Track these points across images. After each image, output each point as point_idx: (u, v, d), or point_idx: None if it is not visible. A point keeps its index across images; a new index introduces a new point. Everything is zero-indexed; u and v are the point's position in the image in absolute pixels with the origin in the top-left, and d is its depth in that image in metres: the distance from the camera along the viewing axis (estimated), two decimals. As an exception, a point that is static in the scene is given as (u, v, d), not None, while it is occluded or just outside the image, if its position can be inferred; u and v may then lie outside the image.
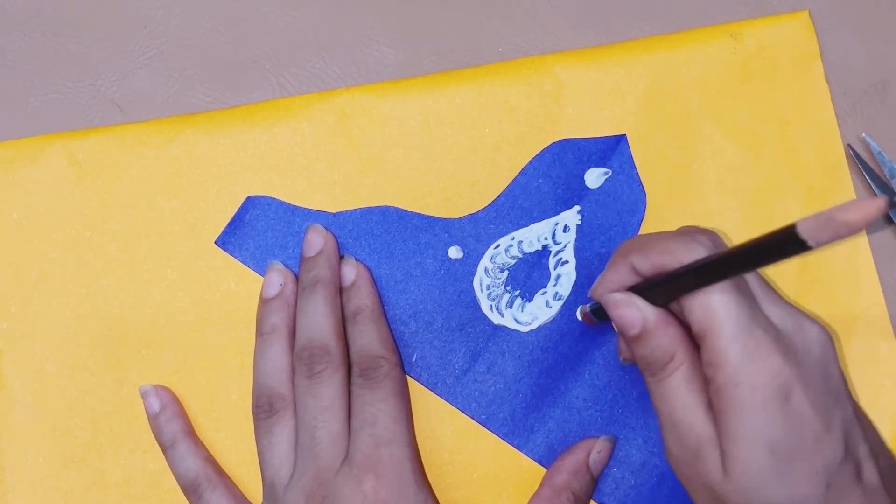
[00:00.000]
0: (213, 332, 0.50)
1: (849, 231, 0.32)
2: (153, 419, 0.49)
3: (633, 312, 0.42)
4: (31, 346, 0.50)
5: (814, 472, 0.40)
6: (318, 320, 0.47)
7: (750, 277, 0.42)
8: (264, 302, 0.49)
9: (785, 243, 0.33)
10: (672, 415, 0.42)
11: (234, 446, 0.50)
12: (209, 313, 0.50)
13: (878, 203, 0.31)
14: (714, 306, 0.40)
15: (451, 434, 0.49)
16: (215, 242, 0.50)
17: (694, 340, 0.42)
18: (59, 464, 0.49)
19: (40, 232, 0.51)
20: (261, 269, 0.50)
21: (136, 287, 0.50)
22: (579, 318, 0.50)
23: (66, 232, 0.51)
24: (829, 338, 0.42)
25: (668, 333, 0.42)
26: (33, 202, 0.51)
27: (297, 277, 0.50)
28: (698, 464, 0.41)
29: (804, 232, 0.32)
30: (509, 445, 0.49)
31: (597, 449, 0.48)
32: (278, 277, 0.49)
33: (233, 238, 0.50)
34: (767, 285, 0.42)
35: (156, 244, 0.51)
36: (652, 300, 0.42)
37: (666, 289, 0.41)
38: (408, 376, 0.50)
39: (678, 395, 0.42)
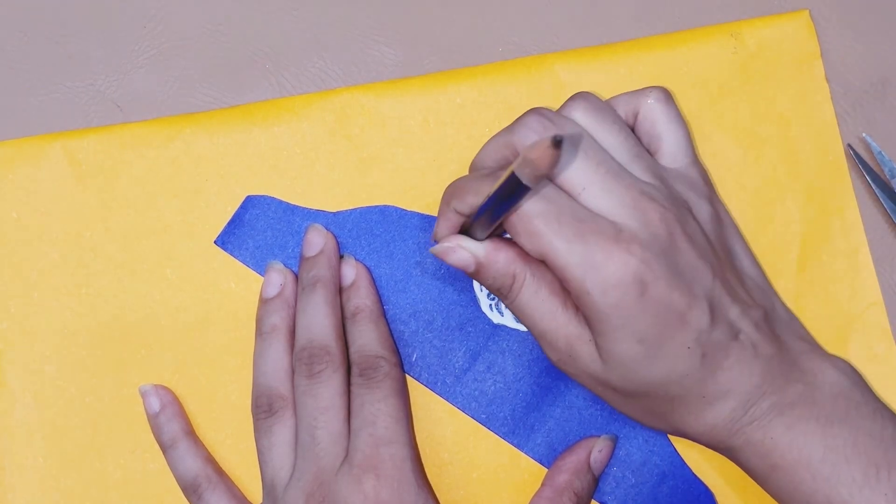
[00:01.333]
0: (213, 332, 0.50)
1: (538, 169, 0.35)
2: (153, 419, 0.49)
3: (463, 255, 0.43)
4: (31, 346, 0.50)
5: (685, 348, 0.41)
6: (317, 320, 0.47)
7: (594, 176, 0.42)
8: (264, 302, 0.49)
9: (516, 185, 0.37)
10: (536, 326, 0.43)
11: (235, 446, 0.50)
12: (209, 313, 0.50)
13: (545, 143, 0.34)
14: (536, 231, 0.40)
15: (451, 434, 0.49)
16: (215, 242, 0.50)
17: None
18: (59, 464, 0.49)
19: (40, 232, 0.51)
20: (260, 268, 0.50)
21: (136, 287, 0.50)
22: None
23: (66, 232, 0.51)
24: (670, 212, 0.42)
25: (500, 260, 0.43)
26: (33, 202, 0.51)
27: (297, 277, 0.50)
28: (576, 361, 0.43)
29: (518, 170, 0.36)
30: (509, 445, 0.49)
31: (598, 448, 0.48)
32: (278, 277, 0.49)
33: (232, 237, 0.50)
34: (615, 177, 0.42)
35: (156, 244, 0.51)
36: (479, 236, 0.43)
37: (482, 224, 0.42)
38: (407, 376, 0.50)
39: (532, 307, 0.43)
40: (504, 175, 0.38)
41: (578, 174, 0.42)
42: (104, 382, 0.50)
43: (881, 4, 0.52)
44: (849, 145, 0.51)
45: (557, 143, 0.34)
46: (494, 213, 0.41)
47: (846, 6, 0.52)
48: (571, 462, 0.48)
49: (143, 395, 0.49)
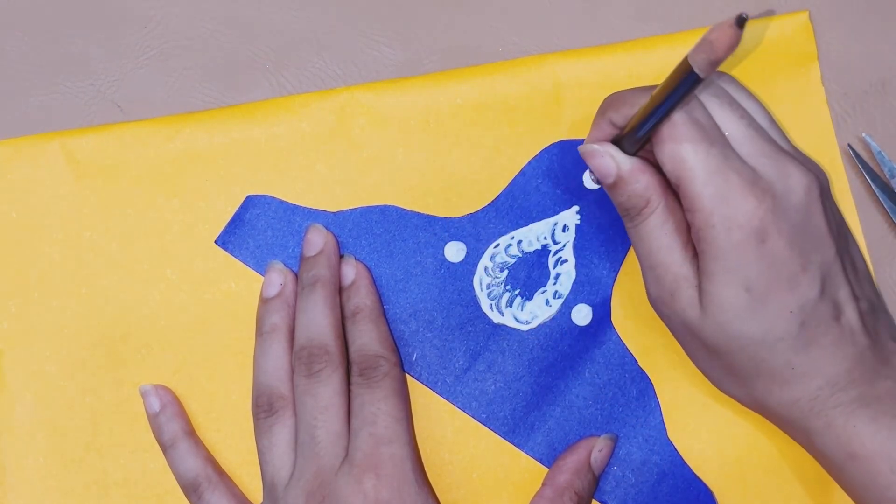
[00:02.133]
0: (213, 332, 0.50)
1: (714, 52, 0.36)
2: (153, 419, 0.49)
3: (608, 161, 0.44)
4: (31, 346, 0.50)
5: (788, 311, 0.42)
6: (317, 320, 0.47)
7: (739, 125, 0.44)
8: (264, 301, 0.49)
9: (685, 76, 0.38)
10: (650, 257, 0.45)
11: (234, 446, 0.50)
12: (209, 313, 0.50)
13: (730, 27, 0.35)
14: (683, 154, 0.42)
15: (451, 434, 0.49)
16: (215, 241, 0.50)
17: (672, 187, 0.44)
18: (59, 464, 0.49)
19: (40, 232, 0.51)
20: (261, 268, 0.50)
21: (136, 287, 0.50)
22: (588, 183, 0.51)
23: (66, 232, 0.51)
24: (814, 182, 0.43)
25: (641, 180, 0.44)
26: (32, 201, 0.51)
27: (297, 277, 0.50)
28: (675, 302, 0.44)
29: (692, 57, 0.36)
30: (510, 445, 0.49)
31: (598, 447, 0.48)
32: (278, 277, 0.49)
33: (233, 237, 0.50)
34: (760, 134, 0.44)
35: (156, 244, 0.51)
36: (627, 150, 0.45)
37: (633, 137, 0.43)
38: (407, 375, 0.50)
39: (654, 237, 0.44)
40: (675, 69, 0.38)
41: (724, 119, 0.43)
42: (104, 382, 0.50)
43: (881, 4, 0.52)
44: (848, 145, 0.51)
45: (741, 21, 0.34)
46: (650, 119, 0.42)
47: (846, 6, 0.52)
48: (572, 462, 0.48)
49: (144, 394, 0.49)
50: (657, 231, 0.44)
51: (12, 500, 0.49)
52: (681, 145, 0.42)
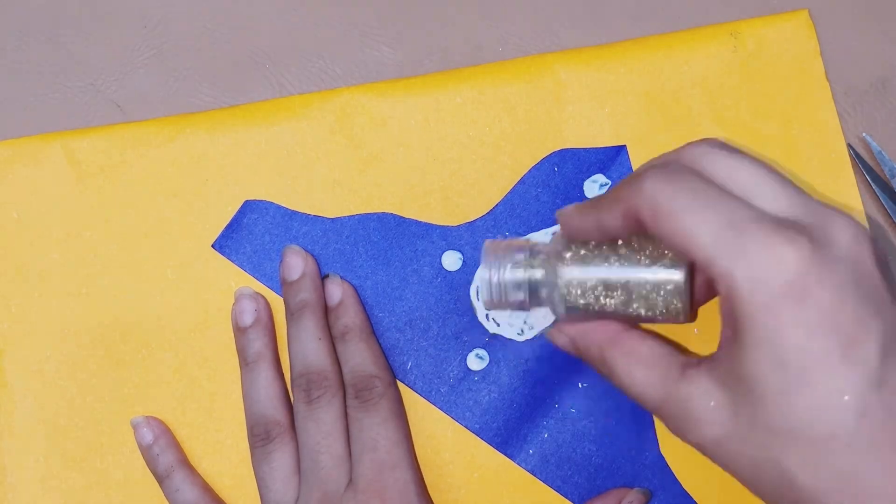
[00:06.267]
0: (213, 333, 0.50)
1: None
2: (146, 450, 0.48)
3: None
4: (31, 346, 0.50)
5: (841, 395, 0.32)
6: (311, 346, 0.47)
7: (757, 173, 0.35)
8: (242, 331, 0.49)
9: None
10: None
11: (235, 445, 0.50)
12: (209, 313, 0.50)
13: None
14: (679, 224, 0.34)
15: (451, 434, 0.49)
16: (212, 246, 0.50)
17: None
18: (59, 464, 0.49)
19: (40, 232, 0.51)
20: (258, 273, 0.50)
21: (136, 287, 0.50)
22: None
23: (66, 232, 0.51)
24: (863, 230, 0.34)
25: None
26: (33, 202, 0.51)
27: (267, 301, 0.49)
28: (698, 427, 0.35)
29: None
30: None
31: (628, 499, 0.47)
32: (251, 303, 0.49)
33: (230, 241, 0.50)
34: (784, 181, 0.36)
35: (156, 244, 0.51)
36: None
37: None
38: (402, 384, 0.49)
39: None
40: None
41: (734, 169, 0.35)
42: (104, 382, 0.50)
43: (881, 4, 0.52)
44: (849, 145, 0.51)
45: None
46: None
47: (846, 6, 0.52)
48: None
49: (135, 426, 0.49)
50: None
51: (12, 499, 0.49)
52: (675, 216, 0.34)
